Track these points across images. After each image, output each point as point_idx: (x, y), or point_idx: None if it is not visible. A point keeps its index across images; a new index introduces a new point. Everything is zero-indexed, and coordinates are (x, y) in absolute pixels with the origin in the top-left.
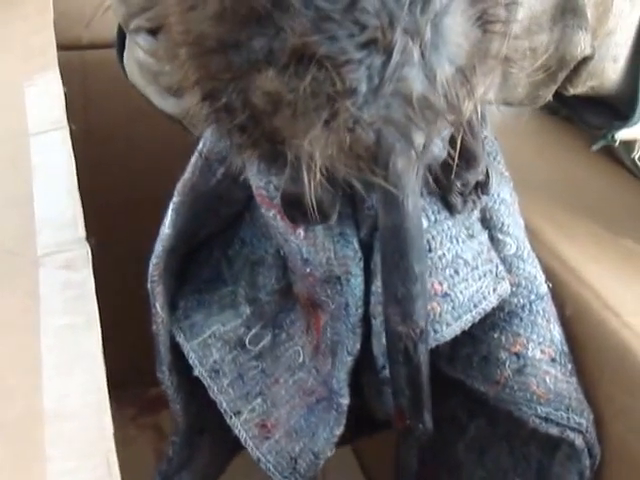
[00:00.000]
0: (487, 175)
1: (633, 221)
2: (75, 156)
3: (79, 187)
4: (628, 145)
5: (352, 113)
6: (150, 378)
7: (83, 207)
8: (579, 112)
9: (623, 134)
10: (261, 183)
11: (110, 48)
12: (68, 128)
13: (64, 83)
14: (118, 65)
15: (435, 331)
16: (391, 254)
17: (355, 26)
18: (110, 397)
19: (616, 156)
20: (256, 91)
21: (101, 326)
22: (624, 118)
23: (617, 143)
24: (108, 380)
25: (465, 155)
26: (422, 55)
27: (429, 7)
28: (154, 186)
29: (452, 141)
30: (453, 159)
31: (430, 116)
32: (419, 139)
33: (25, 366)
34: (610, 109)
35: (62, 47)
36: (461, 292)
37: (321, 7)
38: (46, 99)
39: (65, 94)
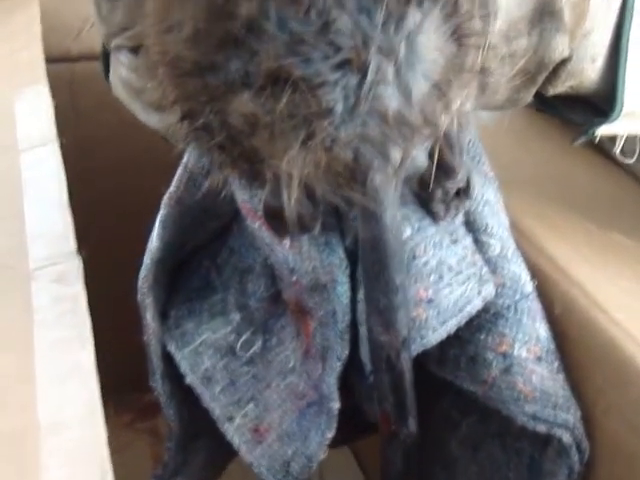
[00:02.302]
0: (468, 181)
1: (619, 212)
2: (65, 167)
3: (69, 199)
4: (612, 138)
5: (329, 133)
6: (146, 384)
7: (74, 218)
8: (560, 110)
9: (603, 130)
10: (245, 196)
11: (99, 60)
12: (58, 142)
13: (53, 95)
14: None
15: (422, 337)
16: (372, 266)
17: (329, 47)
18: (108, 403)
19: (601, 147)
20: (233, 112)
21: (96, 333)
22: (604, 115)
23: (597, 139)
24: (106, 387)
25: (443, 166)
26: (397, 73)
27: (403, 26)
28: (145, 196)
29: (430, 153)
30: (431, 172)
31: (407, 132)
32: (396, 155)
33: (20, 379)
34: (590, 106)
35: (51, 59)
36: (446, 297)
37: (295, 30)
38: (35, 114)
39: (55, 108)
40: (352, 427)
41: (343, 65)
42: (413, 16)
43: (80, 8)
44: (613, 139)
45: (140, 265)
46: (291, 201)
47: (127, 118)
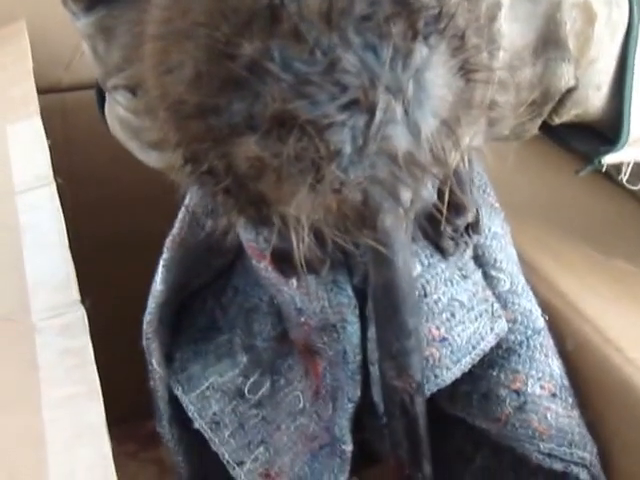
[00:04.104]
0: (477, 216)
1: (625, 238)
2: (61, 202)
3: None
4: (617, 165)
5: (338, 175)
6: (148, 411)
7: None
8: (565, 139)
9: (609, 158)
10: (250, 236)
11: (90, 89)
12: (55, 183)
13: (45, 127)
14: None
15: (436, 376)
16: (384, 310)
17: (336, 87)
18: (110, 434)
19: (606, 172)
20: (238, 156)
21: (97, 363)
22: (610, 143)
23: (604, 168)
24: (108, 416)
25: (453, 204)
26: (405, 112)
27: (410, 63)
28: (141, 225)
29: (440, 192)
30: (441, 211)
31: (416, 172)
32: (406, 196)
33: (29, 442)
34: (595, 134)
35: (42, 91)
36: (459, 335)
37: (300, 70)
38: (30, 153)
39: (47, 139)
40: (362, 459)
41: (350, 105)
42: (420, 52)
43: (69, 38)
44: (618, 166)
45: (139, 294)
46: (300, 245)
47: (120, 146)
